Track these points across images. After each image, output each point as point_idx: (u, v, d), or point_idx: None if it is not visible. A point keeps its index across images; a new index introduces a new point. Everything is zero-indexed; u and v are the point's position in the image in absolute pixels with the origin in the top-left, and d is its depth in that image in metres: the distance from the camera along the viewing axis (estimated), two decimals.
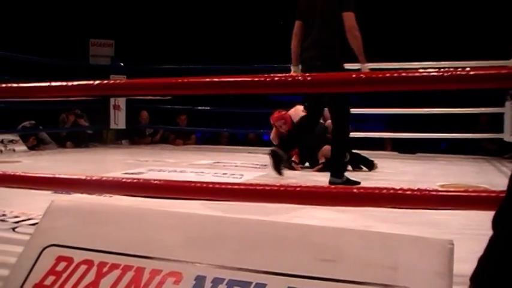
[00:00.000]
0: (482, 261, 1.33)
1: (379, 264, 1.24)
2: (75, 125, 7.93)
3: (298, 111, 5.56)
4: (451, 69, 1.58)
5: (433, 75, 1.60)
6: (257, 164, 5.64)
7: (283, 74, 1.75)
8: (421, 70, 1.60)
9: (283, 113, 5.65)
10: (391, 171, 5.22)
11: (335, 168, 4.14)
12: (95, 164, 6.04)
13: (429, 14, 8.95)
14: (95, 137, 8.46)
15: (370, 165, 5.16)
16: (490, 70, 1.56)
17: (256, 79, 1.77)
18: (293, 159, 5.27)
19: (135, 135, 8.66)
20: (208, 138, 9.47)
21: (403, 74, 1.62)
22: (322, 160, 5.13)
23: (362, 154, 5.35)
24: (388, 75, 1.63)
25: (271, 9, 11.78)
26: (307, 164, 5.38)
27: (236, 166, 5.51)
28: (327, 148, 5.09)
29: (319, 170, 5.06)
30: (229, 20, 11.56)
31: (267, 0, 11.57)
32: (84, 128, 8.08)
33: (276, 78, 1.76)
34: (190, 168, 5.22)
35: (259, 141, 8.70)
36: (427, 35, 8.25)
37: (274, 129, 5.72)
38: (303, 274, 1.26)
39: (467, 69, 1.56)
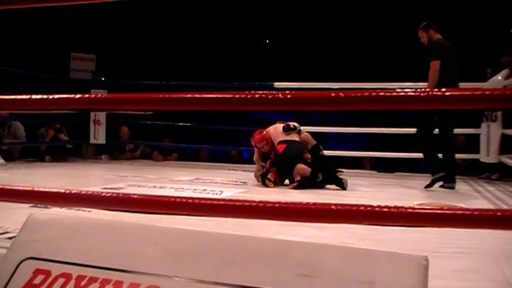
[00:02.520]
0: None
1: (356, 280, 1.26)
2: (54, 139, 7.87)
3: (277, 130, 5.61)
4: (428, 89, 1.62)
5: (409, 95, 1.64)
6: (237, 181, 5.65)
7: (264, 92, 1.77)
8: (398, 90, 1.64)
9: (264, 133, 5.65)
10: (370, 190, 5.27)
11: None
12: (74, 178, 5.99)
13: (410, 36, 9.09)
14: (75, 152, 8.40)
15: (341, 183, 5.17)
16: (464, 91, 1.60)
17: (237, 96, 1.79)
18: (268, 176, 5.27)
19: (115, 151, 8.61)
20: (189, 154, 9.45)
21: (381, 94, 1.65)
22: (297, 178, 5.18)
23: (332, 172, 5.39)
24: (366, 94, 1.66)
25: (255, 27, 11.89)
26: (286, 182, 5.40)
27: (216, 183, 5.51)
28: (301, 167, 5.20)
29: (295, 188, 5.11)
30: (213, 37, 11.63)
31: (251, 19, 11.67)
32: (63, 143, 8.01)
33: (257, 96, 1.78)
34: (170, 184, 5.21)
35: (240, 159, 8.72)
36: (407, 56, 8.38)
37: (256, 150, 5.71)
38: None
39: (443, 90, 1.60)
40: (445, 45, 5.40)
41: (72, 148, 8.33)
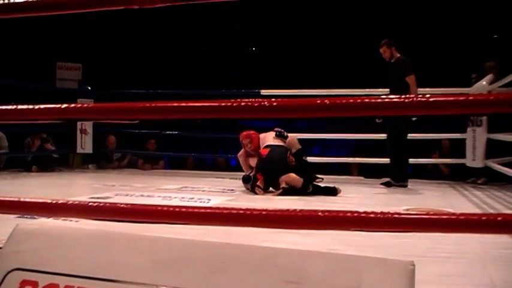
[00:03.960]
0: None
1: (343, 286, 1.27)
2: (41, 149, 7.81)
3: (267, 137, 5.65)
4: (412, 95, 1.63)
5: (394, 101, 1.65)
6: (224, 189, 5.65)
7: (250, 100, 1.77)
8: (383, 96, 1.66)
9: (252, 132, 5.72)
10: (357, 196, 5.29)
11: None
12: (61, 188, 5.96)
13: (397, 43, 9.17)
14: (61, 161, 8.35)
15: (333, 192, 5.21)
16: (448, 97, 1.62)
17: (223, 104, 1.79)
18: (258, 183, 5.29)
19: (102, 160, 8.57)
20: (176, 162, 9.43)
21: (366, 100, 1.67)
22: (283, 185, 5.20)
23: (321, 186, 5.41)
24: (351, 100, 1.67)
25: (241, 35, 11.92)
26: (271, 189, 5.41)
27: (203, 191, 5.50)
28: (290, 175, 5.24)
29: (280, 195, 5.15)
30: (199, 45, 11.64)
31: (237, 27, 11.70)
32: (50, 152, 7.96)
33: (243, 104, 1.78)
34: (158, 192, 5.20)
35: (227, 166, 8.71)
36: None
37: (242, 148, 5.79)
38: None
39: (427, 95, 1.61)
40: None
41: (59, 158, 8.28)
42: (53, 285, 1.42)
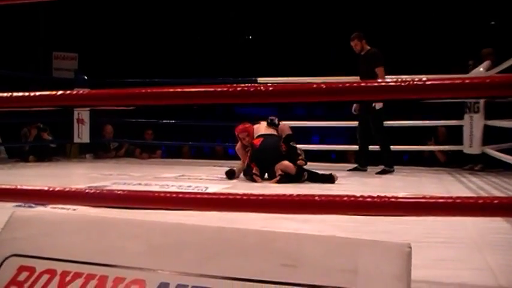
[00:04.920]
0: None
1: (340, 268, 1.27)
2: (37, 139, 7.80)
3: (261, 127, 5.69)
4: (409, 79, 1.63)
5: (390, 85, 1.65)
6: (222, 177, 5.65)
7: (246, 85, 1.77)
8: (379, 80, 1.65)
9: (248, 125, 5.73)
10: (353, 183, 5.29)
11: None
12: (58, 178, 5.95)
13: (394, 30, 9.13)
14: (58, 151, 8.33)
15: (330, 180, 5.22)
16: (445, 80, 1.62)
17: (219, 89, 1.79)
18: (254, 171, 5.32)
19: (99, 149, 8.55)
20: (174, 152, 9.43)
21: (362, 84, 1.67)
22: (279, 173, 5.23)
23: (318, 172, 5.42)
24: (347, 85, 1.67)
25: (238, 23, 11.88)
26: (265, 177, 5.44)
27: (201, 179, 5.50)
28: (283, 163, 5.26)
29: (278, 182, 5.17)
30: (195, 34, 11.60)
31: (232, 15, 11.66)
32: (47, 142, 7.94)
33: (239, 89, 1.78)
34: (155, 181, 5.19)
35: (225, 155, 8.71)
36: (390, 48, 8.43)
37: (239, 141, 5.78)
38: (265, 279, 1.28)
39: (424, 79, 1.61)
40: None
41: (56, 147, 8.26)
42: (50, 271, 1.42)
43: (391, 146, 6.39)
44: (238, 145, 5.81)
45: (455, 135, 7.10)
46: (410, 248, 1.33)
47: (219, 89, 1.80)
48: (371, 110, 6.18)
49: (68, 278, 1.39)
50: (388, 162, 6.29)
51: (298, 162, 5.40)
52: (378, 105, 6.10)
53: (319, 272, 1.27)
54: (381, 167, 6.32)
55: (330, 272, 1.27)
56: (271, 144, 5.42)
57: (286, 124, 5.81)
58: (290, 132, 5.63)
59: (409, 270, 1.30)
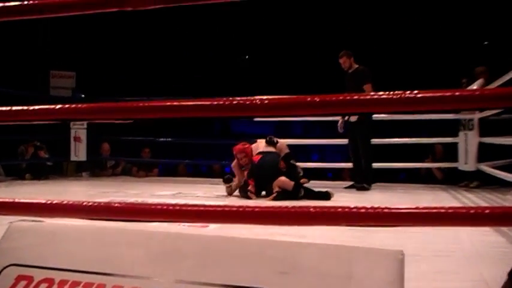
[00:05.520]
0: None
1: (334, 275, 1.30)
2: (34, 157, 7.81)
3: (259, 145, 5.73)
4: (400, 92, 1.66)
5: (383, 97, 1.68)
6: (218, 195, 5.67)
7: (241, 98, 1.80)
8: (371, 93, 1.69)
9: (247, 146, 5.76)
10: (350, 200, 5.32)
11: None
12: (55, 195, 5.90)
13: (386, 48, 9.23)
14: (55, 169, 8.34)
15: (327, 197, 5.25)
16: (435, 93, 1.65)
17: (215, 103, 1.82)
18: (249, 188, 5.35)
19: (96, 167, 8.57)
20: (171, 170, 9.44)
21: (355, 97, 1.70)
22: (276, 189, 5.24)
23: (314, 189, 5.44)
24: (341, 97, 1.70)
25: (236, 43, 11.97)
26: (263, 193, 5.45)
27: (197, 197, 5.53)
28: (281, 179, 5.28)
29: (274, 199, 5.17)
30: (193, 53, 11.69)
31: (231, 35, 11.75)
32: (43, 160, 7.96)
33: (235, 102, 1.81)
34: (152, 198, 5.22)
35: (222, 173, 8.71)
36: (381, 66, 8.52)
37: (235, 159, 5.80)
38: (261, 286, 1.30)
39: (415, 92, 1.64)
40: None
41: (53, 165, 8.28)
42: (48, 280, 1.44)
43: (384, 163, 6.48)
44: (235, 162, 5.84)
45: (450, 152, 7.14)
46: (403, 255, 1.35)
47: (215, 103, 1.83)
48: (356, 127, 6.27)
49: (65, 287, 1.41)
50: (367, 179, 6.35)
51: (302, 180, 5.46)
52: (353, 118, 6.21)
53: (314, 279, 1.29)
54: (378, 184, 6.36)
55: (325, 278, 1.29)
56: (269, 161, 5.47)
57: (284, 142, 5.86)
58: (287, 150, 5.67)
59: (402, 277, 1.32)
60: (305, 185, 5.48)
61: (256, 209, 1.86)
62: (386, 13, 9.76)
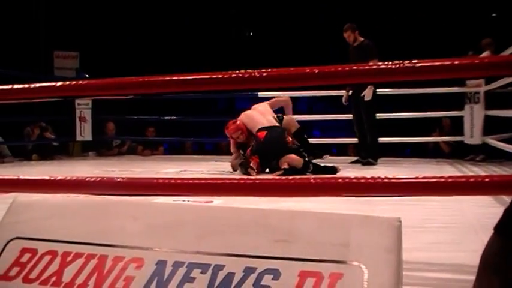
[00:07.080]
0: (508, 211, 1.35)
1: (331, 243, 1.31)
2: (40, 138, 7.85)
3: (250, 116, 5.58)
4: (400, 61, 1.66)
5: (381, 67, 1.68)
6: (223, 171, 5.68)
7: (241, 71, 1.81)
8: (370, 63, 1.69)
9: (237, 123, 5.58)
10: (355, 174, 5.31)
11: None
12: (62, 175, 6.00)
13: (392, 21, 9.16)
14: (61, 150, 8.38)
15: (333, 171, 5.22)
16: (435, 62, 1.65)
17: (214, 76, 1.83)
18: (251, 165, 5.21)
19: (101, 147, 8.60)
20: (176, 148, 9.46)
21: (354, 68, 1.70)
22: (284, 166, 5.14)
23: (321, 165, 5.39)
24: (339, 69, 1.70)
25: (238, 20, 11.91)
26: (267, 171, 5.37)
27: (202, 173, 5.54)
28: (290, 156, 5.16)
29: (282, 175, 4.92)
30: (196, 31, 11.64)
31: (232, 12, 11.69)
32: (49, 141, 8.00)
33: (234, 75, 1.82)
34: (157, 176, 5.23)
35: (228, 150, 8.72)
36: (387, 39, 8.46)
37: (232, 141, 5.70)
38: (260, 254, 1.32)
39: (414, 61, 1.65)
40: None
41: (59, 146, 8.32)
42: (51, 252, 1.46)
43: (388, 138, 6.46)
44: (233, 146, 5.68)
45: (458, 126, 7.11)
46: (400, 222, 1.37)
47: (214, 76, 1.83)
48: (361, 101, 6.20)
49: (68, 258, 1.43)
50: (373, 155, 6.33)
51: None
52: (367, 97, 6.11)
53: (311, 246, 1.31)
54: (384, 159, 6.35)
55: (323, 246, 1.30)
56: (275, 137, 5.30)
57: (293, 118, 5.76)
58: (298, 125, 5.58)
59: (400, 243, 1.33)
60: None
61: (257, 181, 1.89)
62: None
